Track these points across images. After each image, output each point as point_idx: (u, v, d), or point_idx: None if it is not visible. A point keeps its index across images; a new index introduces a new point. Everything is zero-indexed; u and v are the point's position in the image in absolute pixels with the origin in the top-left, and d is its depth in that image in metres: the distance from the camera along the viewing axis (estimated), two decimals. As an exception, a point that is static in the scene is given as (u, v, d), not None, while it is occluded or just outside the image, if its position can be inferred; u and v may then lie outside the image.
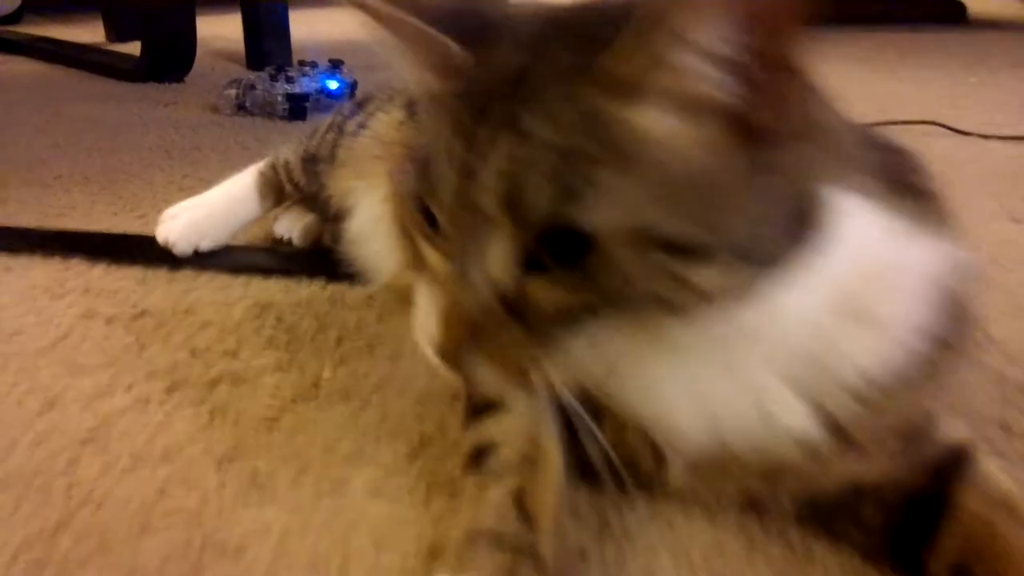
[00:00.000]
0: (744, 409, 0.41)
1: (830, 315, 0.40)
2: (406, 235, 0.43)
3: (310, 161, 0.86)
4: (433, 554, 0.46)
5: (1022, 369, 0.66)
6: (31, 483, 0.52)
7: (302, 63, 1.58)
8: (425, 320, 0.40)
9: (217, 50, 2.14)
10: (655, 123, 0.35)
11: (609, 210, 0.34)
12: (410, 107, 0.81)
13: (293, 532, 0.48)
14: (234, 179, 0.89)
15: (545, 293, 0.37)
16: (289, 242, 0.90)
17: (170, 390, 0.63)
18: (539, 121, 0.35)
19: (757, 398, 0.41)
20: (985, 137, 1.39)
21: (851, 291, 0.40)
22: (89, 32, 2.60)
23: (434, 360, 0.39)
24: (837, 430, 0.42)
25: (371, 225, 0.78)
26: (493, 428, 0.49)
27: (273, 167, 0.89)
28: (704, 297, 0.36)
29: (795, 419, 0.41)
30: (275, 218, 0.92)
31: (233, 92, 1.52)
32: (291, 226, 0.91)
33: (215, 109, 1.56)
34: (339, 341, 0.70)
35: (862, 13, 3.12)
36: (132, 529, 0.48)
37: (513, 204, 0.35)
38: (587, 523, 0.49)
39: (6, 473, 0.53)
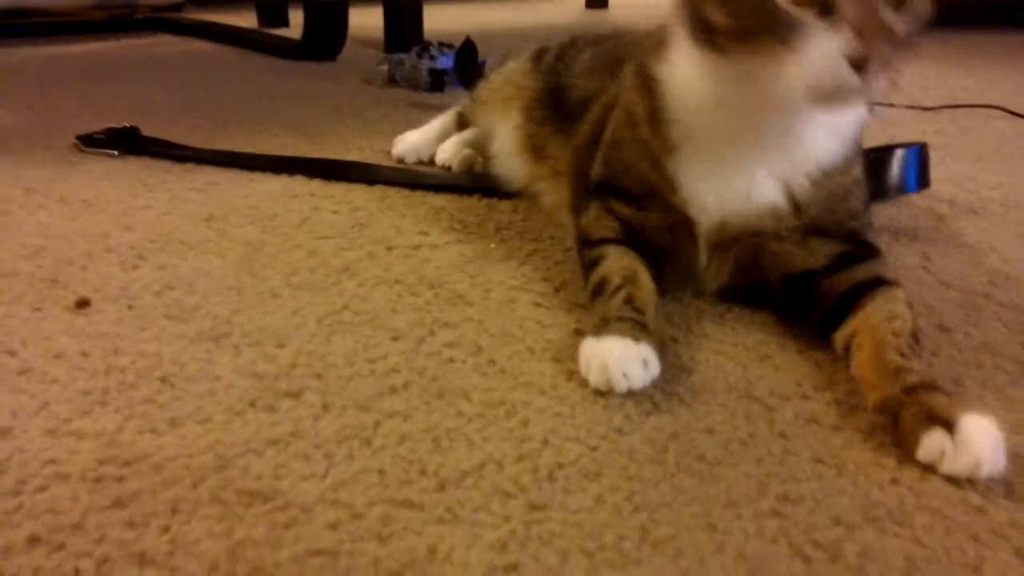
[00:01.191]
0: (742, 192, 0.70)
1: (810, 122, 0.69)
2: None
3: (472, 102, 1.20)
4: (578, 333, 0.72)
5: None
6: (315, 289, 0.81)
7: (441, 44, 1.87)
8: None
9: (359, 37, 2.46)
10: None
11: None
12: (534, 59, 1.11)
13: (486, 319, 0.75)
14: (440, 117, 1.28)
15: None
16: (449, 168, 1.19)
17: (388, 249, 0.91)
18: None
19: (749, 183, 0.70)
20: (1040, 120, 1.57)
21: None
22: (241, 19, 2.97)
23: None
24: (796, 204, 0.70)
25: (506, 147, 1.07)
26: (601, 271, 0.75)
27: (463, 109, 1.25)
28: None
29: (771, 195, 0.70)
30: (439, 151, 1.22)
31: (385, 67, 1.83)
32: (451, 156, 1.19)
33: (368, 81, 1.87)
34: (497, 229, 0.97)
35: (953, 16, 3.22)
36: (387, 310, 0.77)
37: None
38: (677, 325, 0.75)
39: (295, 287, 0.82)
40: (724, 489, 0.53)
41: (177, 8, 3.29)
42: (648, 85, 0.74)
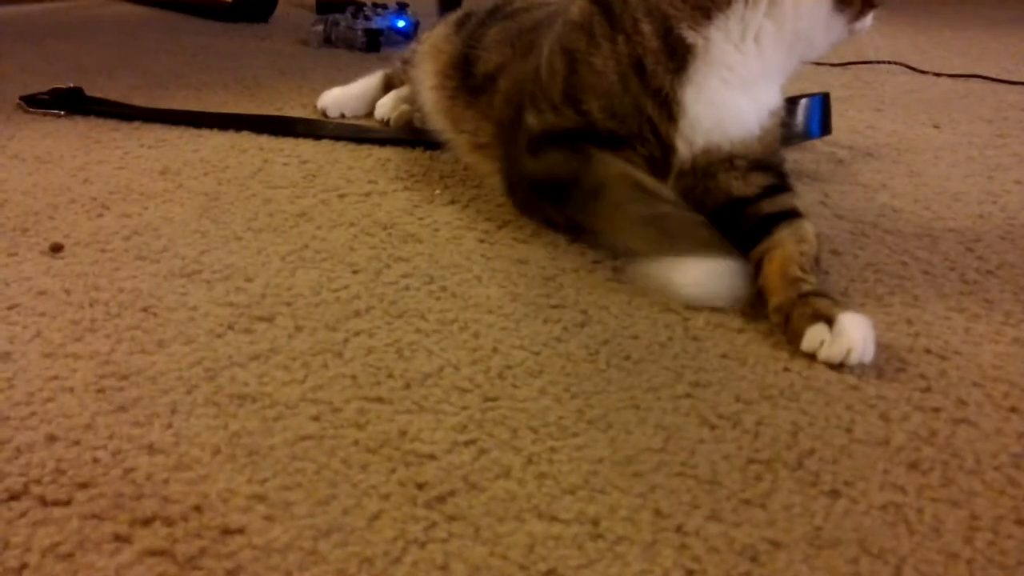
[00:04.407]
0: (733, 117, 0.81)
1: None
2: None
3: (405, 63, 1.27)
4: (520, 262, 0.81)
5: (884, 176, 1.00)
6: (275, 232, 0.88)
7: (375, 4, 1.91)
8: None
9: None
10: None
11: None
12: (457, 23, 1.17)
13: (437, 253, 0.84)
14: (367, 77, 1.33)
15: None
16: (387, 123, 1.26)
17: (340, 196, 0.98)
18: None
19: (739, 110, 0.81)
20: (937, 75, 1.72)
21: None
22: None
23: None
24: (761, 133, 0.82)
25: (428, 108, 1.14)
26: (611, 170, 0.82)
27: (390, 72, 1.31)
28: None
29: (753, 124, 0.82)
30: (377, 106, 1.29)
31: (321, 28, 1.86)
32: (388, 111, 1.26)
33: (304, 42, 1.90)
34: (441, 177, 1.05)
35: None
36: (345, 248, 0.84)
37: None
38: (608, 253, 0.84)
39: (256, 231, 0.88)
40: (646, 379, 0.63)
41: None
42: (670, 43, 0.80)
